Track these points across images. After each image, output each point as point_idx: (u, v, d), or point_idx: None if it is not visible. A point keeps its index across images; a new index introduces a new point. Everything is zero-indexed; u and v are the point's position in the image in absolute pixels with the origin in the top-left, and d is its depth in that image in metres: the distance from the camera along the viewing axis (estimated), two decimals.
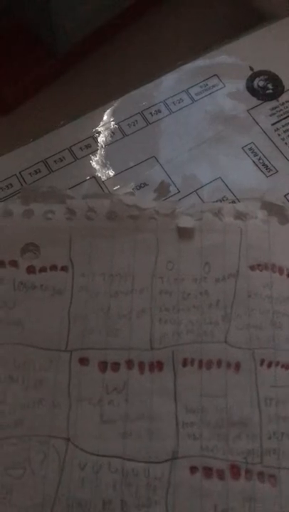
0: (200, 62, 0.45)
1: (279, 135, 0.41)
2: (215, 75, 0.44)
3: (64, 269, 0.33)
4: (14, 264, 0.34)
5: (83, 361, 0.31)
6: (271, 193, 0.38)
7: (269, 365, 0.31)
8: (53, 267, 0.33)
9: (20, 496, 0.29)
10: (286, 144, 0.41)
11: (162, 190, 0.37)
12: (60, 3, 0.43)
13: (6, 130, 0.45)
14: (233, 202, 0.37)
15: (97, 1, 0.46)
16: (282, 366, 0.31)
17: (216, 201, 0.38)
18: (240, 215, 0.35)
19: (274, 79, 0.43)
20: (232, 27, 0.48)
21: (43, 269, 0.33)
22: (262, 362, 0.31)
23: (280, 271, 0.33)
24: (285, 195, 0.38)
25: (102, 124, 0.42)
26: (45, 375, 0.31)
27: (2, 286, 0.33)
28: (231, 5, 0.50)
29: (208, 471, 0.29)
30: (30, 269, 0.33)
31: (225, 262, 0.33)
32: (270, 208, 0.35)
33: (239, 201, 0.37)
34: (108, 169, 0.39)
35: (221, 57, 0.45)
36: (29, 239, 0.34)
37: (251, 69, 0.44)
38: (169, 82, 0.44)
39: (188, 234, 0.34)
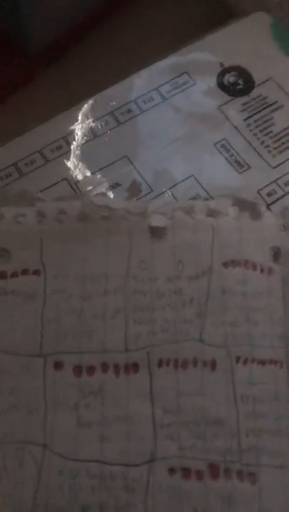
0: (170, 60, 0.44)
1: (251, 130, 0.41)
2: (185, 73, 0.44)
3: (36, 272, 0.33)
4: None
5: (58, 366, 0.31)
6: (244, 189, 0.38)
7: (245, 363, 0.31)
8: (25, 271, 0.33)
9: None
10: (258, 139, 0.41)
11: (134, 190, 0.37)
12: (29, 4, 0.43)
13: None
14: (206, 199, 0.37)
15: (66, 2, 0.46)
16: (258, 363, 0.31)
17: (189, 199, 0.37)
18: (211, 213, 0.35)
19: (244, 74, 0.43)
20: (203, 24, 0.48)
21: (14, 274, 0.33)
22: (238, 359, 0.31)
23: (253, 267, 0.33)
24: (258, 191, 0.38)
25: (73, 125, 0.41)
26: (20, 381, 0.31)
27: None
28: (202, 2, 0.50)
29: (186, 472, 0.29)
30: (1, 275, 0.33)
31: (198, 259, 0.33)
32: (242, 204, 0.35)
33: (212, 198, 0.37)
34: (80, 170, 0.39)
35: (192, 54, 0.45)
36: None
37: (222, 65, 0.44)
38: (139, 81, 0.43)
39: (161, 233, 0.34)
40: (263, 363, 0.31)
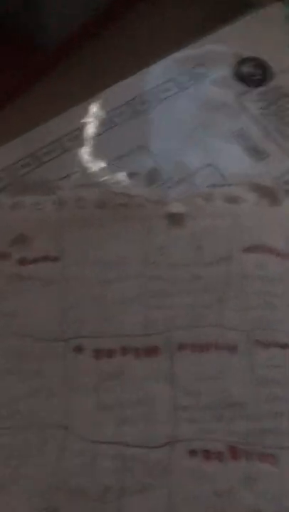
0: (187, 51, 0.45)
1: (268, 120, 0.41)
2: (202, 64, 0.44)
3: (56, 259, 0.34)
4: (6, 256, 0.34)
5: (78, 350, 0.31)
6: (263, 176, 0.38)
7: (264, 346, 0.31)
8: (45, 258, 0.34)
9: (20, 486, 0.29)
10: (276, 128, 0.41)
11: (152, 178, 0.37)
12: (47, 4, 0.44)
13: None
14: (225, 186, 0.37)
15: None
16: (278, 346, 0.31)
17: (208, 187, 0.37)
18: (231, 199, 0.35)
19: (262, 65, 0.44)
20: (219, 16, 0.48)
21: (34, 261, 0.34)
22: (257, 343, 0.31)
23: (272, 252, 0.33)
24: (276, 178, 0.38)
25: (90, 115, 0.42)
26: (41, 365, 0.31)
27: None
28: None
29: (207, 454, 0.29)
30: (22, 261, 0.34)
31: (217, 245, 0.33)
32: (261, 191, 0.35)
33: (231, 186, 0.37)
34: (98, 159, 0.40)
35: (208, 45, 0.45)
36: (20, 230, 0.34)
37: (239, 56, 0.44)
38: (156, 72, 0.44)
39: (180, 220, 0.34)
40: (282, 346, 0.31)
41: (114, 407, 0.30)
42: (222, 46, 0.45)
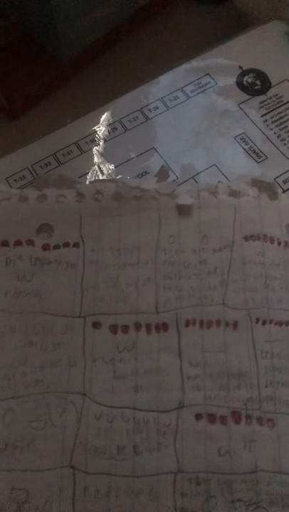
0: (194, 63, 0.49)
1: (268, 125, 0.45)
2: (207, 74, 0.48)
3: (76, 245, 0.37)
4: (31, 242, 0.37)
5: (96, 325, 0.35)
6: (262, 177, 0.41)
7: (264, 323, 0.35)
8: (66, 244, 0.37)
9: (42, 445, 0.32)
10: (274, 133, 0.45)
11: (162, 175, 0.41)
12: (64, 16, 0.47)
13: (16, 133, 0.49)
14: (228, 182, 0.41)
15: (98, 13, 0.50)
16: (276, 323, 0.35)
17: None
18: (233, 193, 0.38)
19: (261, 76, 0.47)
20: (223, 31, 0.52)
21: (56, 246, 0.37)
22: (257, 320, 0.35)
23: (272, 240, 0.37)
24: (274, 179, 0.42)
25: (105, 120, 0.45)
26: (62, 338, 0.34)
27: (20, 263, 0.36)
28: (222, 12, 0.55)
29: (211, 417, 0.32)
30: (45, 247, 0.37)
31: (221, 234, 0.37)
32: (261, 186, 0.39)
33: (233, 182, 0.41)
34: (112, 160, 0.43)
35: (213, 58, 0.49)
36: (43, 220, 0.38)
37: (241, 68, 0.48)
38: (165, 82, 0.48)
39: (187, 210, 0.38)
40: (279, 323, 0.35)
41: (128, 376, 0.34)
42: (226, 59, 0.49)
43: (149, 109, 0.46)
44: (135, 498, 0.31)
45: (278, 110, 0.46)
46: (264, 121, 0.45)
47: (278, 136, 0.44)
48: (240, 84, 0.47)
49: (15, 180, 0.42)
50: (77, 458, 0.32)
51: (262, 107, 0.46)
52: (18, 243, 0.37)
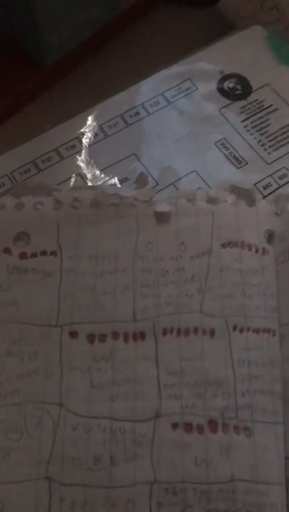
0: (174, 68, 0.49)
1: (248, 131, 0.45)
2: (188, 79, 0.48)
3: (53, 253, 0.37)
4: (7, 251, 0.37)
5: (73, 334, 0.35)
6: (242, 182, 0.41)
7: (241, 331, 0.34)
8: (43, 253, 0.37)
9: (18, 456, 0.32)
10: (255, 138, 0.44)
11: (141, 181, 0.41)
12: (46, 20, 0.47)
13: None
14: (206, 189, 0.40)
15: (80, 17, 0.50)
16: (253, 331, 0.34)
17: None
18: (211, 200, 0.38)
19: (242, 80, 0.47)
20: (205, 37, 0.52)
21: (34, 255, 0.37)
22: (234, 328, 0.34)
23: (249, 247, 0.37)
24: (254, 184, 0.42)
25: (85, 126, 0.45)
26: (39, 348, 0.34)
27: None
28: (203, 17, 0.55)
29: (188, 427, 0.32)
30: (23, 255, 0.37)
31: (199, 241, 0.37)
32: (239, 193, 0.39)
33: (211, 189, 0.41)
34: (92, 166, 0.43)
35: (194, 63, 0.49)
36: (21, 228, 0.37)
37: (221, 72, 0.48)
38: (146, 87, 0.47)
39: (165, 218, 0.38)
40: (257, 331, 0.34)
41: (105, 385, 0.33)
42: (207, 64, 0.49)
43: (130, 115, 0.46)
44: (111, 509, 0.31)
45: (259, 115, 0.46)
46: (244, 127, 0.45)
47: (259, 141, 0.44)
48: (221, 90, 0.47)
49: None
50: (53, 469, 0.32)
51: (242, 112, 0.46)
52: None
